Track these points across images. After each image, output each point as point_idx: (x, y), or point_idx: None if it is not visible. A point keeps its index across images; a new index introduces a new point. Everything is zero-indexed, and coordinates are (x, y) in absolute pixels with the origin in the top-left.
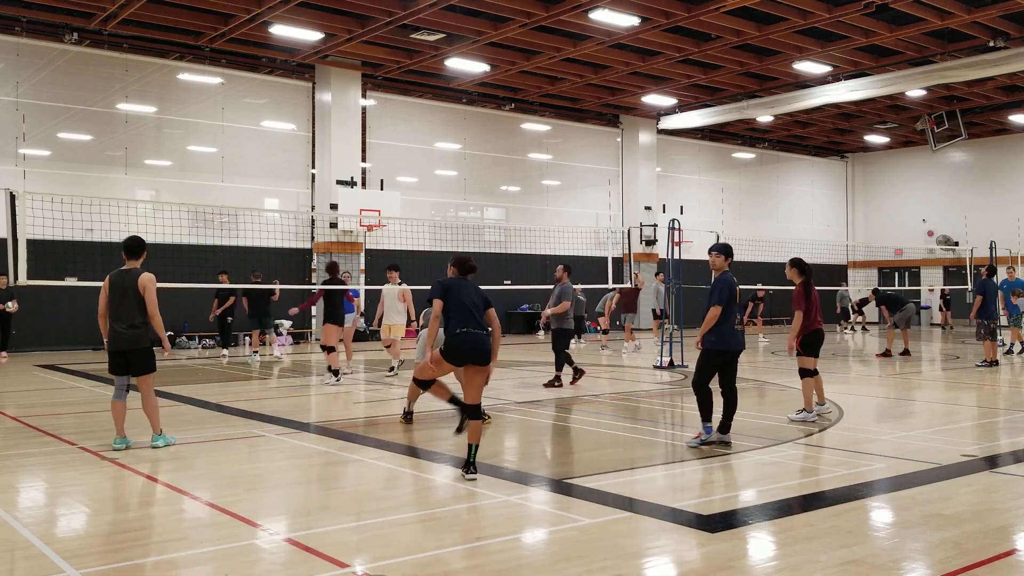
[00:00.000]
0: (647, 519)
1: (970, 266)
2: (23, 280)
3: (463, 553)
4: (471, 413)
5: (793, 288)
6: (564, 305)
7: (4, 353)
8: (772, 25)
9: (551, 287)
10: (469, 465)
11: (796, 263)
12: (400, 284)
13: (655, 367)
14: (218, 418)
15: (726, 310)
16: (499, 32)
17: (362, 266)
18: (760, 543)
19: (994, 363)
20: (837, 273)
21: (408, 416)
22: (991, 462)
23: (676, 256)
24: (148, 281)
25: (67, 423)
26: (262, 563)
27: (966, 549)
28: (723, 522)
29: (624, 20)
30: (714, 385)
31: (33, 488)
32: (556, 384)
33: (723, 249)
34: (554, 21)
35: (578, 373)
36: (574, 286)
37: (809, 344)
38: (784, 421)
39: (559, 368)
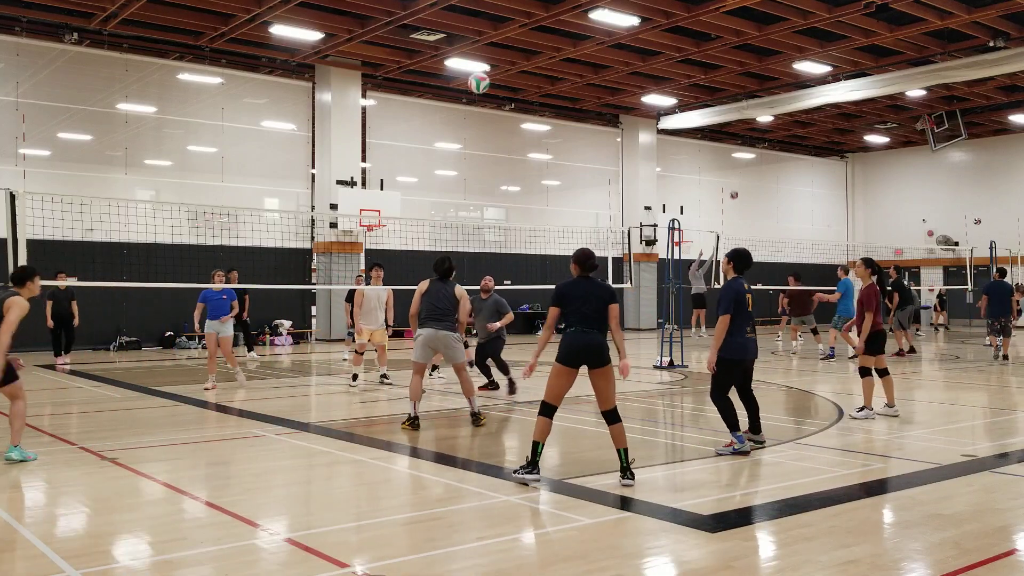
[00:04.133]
0: (647, 519)
1: (970, 266)
2: None
3: (463, 553)
4: (610, 419)
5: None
6: (510, 316)
7: (65, 357)
8: (772, 25)
9: (551, 287)
10: (625, 470)
11: (868, 262)
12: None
13: (655, 367)
14: (218, 418)
15: (736, 318)
16: (499, 32)
17: (362, 266)
18: (760, 543)
19: (1005, 357)
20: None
21: (415, 422)
22: (991, 462)
23: (676, 256)
24: (12, 304)
25: (67, 423)
26: (262, 563)
27: (966, 549)
28: (723, 522)
29: (624, 20)
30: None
31: (33, 488)
32: (491, 387)
33: (731, 255)
34: (554, 21)
35: (492, 385)
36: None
37: (873, 343)
38: (783, 421)
39: (506, 371)
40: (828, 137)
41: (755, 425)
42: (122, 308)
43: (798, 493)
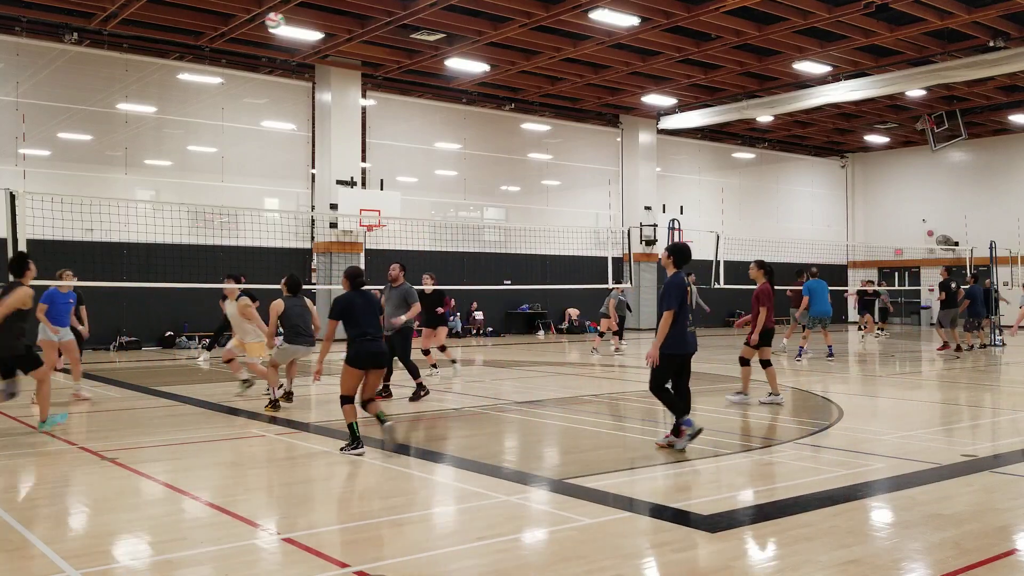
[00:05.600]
0: (647, 519)
1: (969, 266)
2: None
3: (463, 553)
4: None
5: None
6: (416, 308)
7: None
8: (772, 25)
9: (552, 287)
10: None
11: (761, 264)
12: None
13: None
14: (218, 418)
15: (680, 312)
16: (499, 32)
17: (362, 266)
18: (760, 543)
19: (969, 348)
20: (837, 273)
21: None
22: (991, 462)
23: None
24: (18, 292)
25: (67, 423)
26: (262, 563)
27: (966, 549)
28: (723, 522)
29: (624, 20)
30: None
31: (33, 488)
32: (423, 393)
33: (671, 250)
34: (554, 21)
35: (386, 391)
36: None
37: (766, 337)
38: (783, 421)
39: (416, 375)
40: (828, 137)
41: (678, 407)
42: (122, 308)
43: (798, 493)
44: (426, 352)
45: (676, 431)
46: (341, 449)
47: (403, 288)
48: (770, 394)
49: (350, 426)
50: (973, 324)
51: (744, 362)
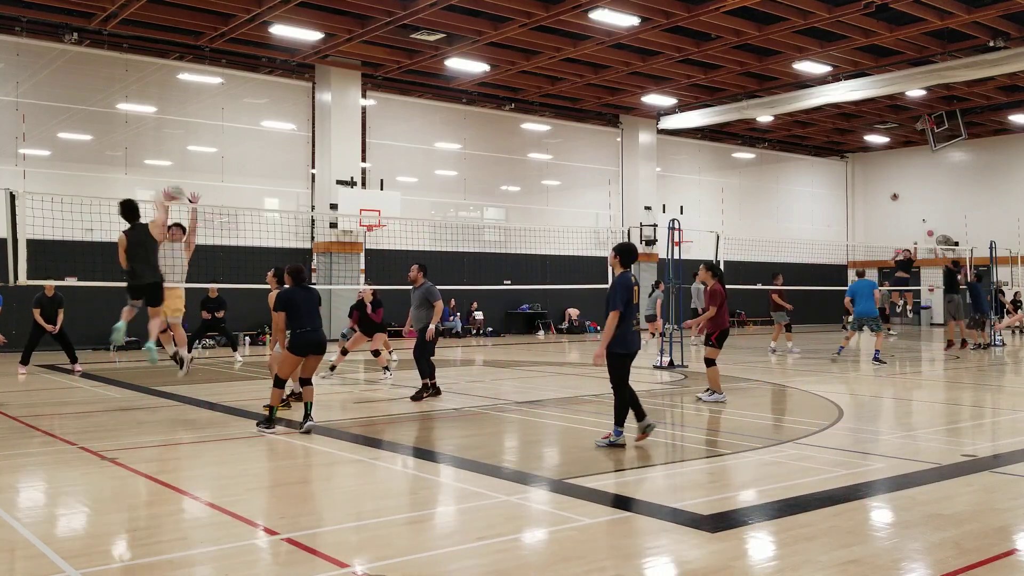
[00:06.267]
0: (647, 519)
1: (970, 266)
2: (23, 280)
3: (463, 553)
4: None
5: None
6: (439, 306)
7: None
8: (772, 25)
9: (552, 287)
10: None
11: (709, 265)
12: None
13: (655, 367)
14: (218, 418)
15: (624, 312)
16: (499, 32)
17: (362, 266)
18: (760, 543)
19: (976, 346)
20: (837, 273)
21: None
22: (991, 462)
23: (676, 256)
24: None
25: (67, 423)
26: (262, 563)
27: (966, 549)
28: (723, 522)
29: (624, 20)
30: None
31: (33, 488)
32: (427, 394)
33: (617, 249)
34: (554, 21)
35: (426, 391)
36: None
37: (722, 338)
38: (783, 421)
39: (425, 375)
40: (828, 137)
41: (641, 411)
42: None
43: (798, 493)
44: (376, 354)
45: (617, 426)
46: (257, 424)
47: (424, 287)
48: (709, 391)
49: (271, 408)
50: (977, 322)
51: (710, 363)
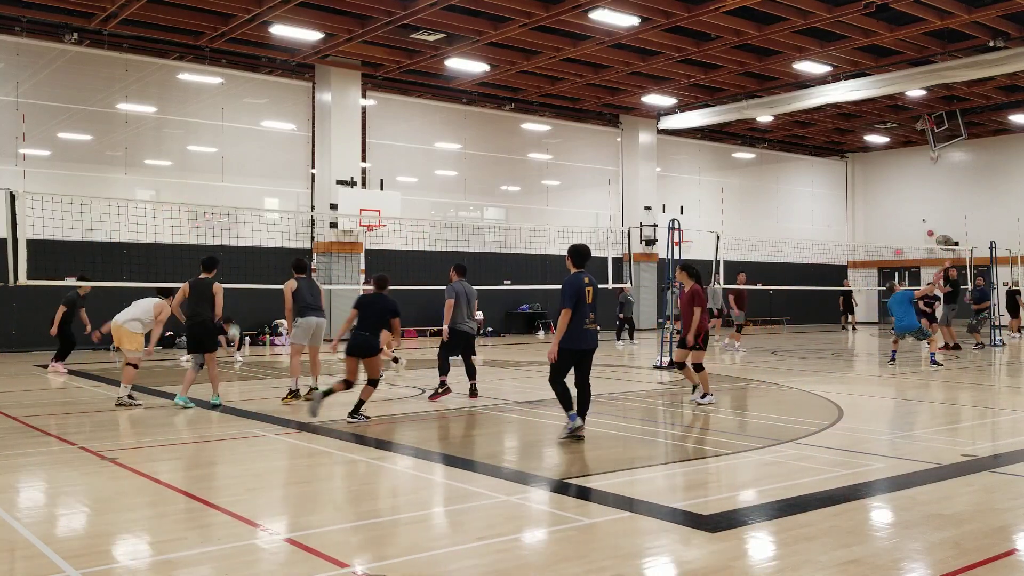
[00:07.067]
0: (647, 519)
1: (970, 266)
2: (23, 280)
3: (463, 553)
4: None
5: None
6: (475, 305)
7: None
8: (772, 25)
9: (552, 287)
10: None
11: (685, 267)
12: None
13: (655, 367)
14: (218, 418)
15: (576, 310)
16: (499, 32)
17: (362, 266)
18: (760, 543)
19: (980, 346)
20: (837, 273)
21: (295, 393)
22: (991, 462)
23: (676, 256)
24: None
25: (67, 423)
26: (262, 563)
27: (966, 549)
28: (723, 522)
29: (624, 20)
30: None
31: (33, 488)
32: (440, 391)
33: (569, 251)
34: (554, 21)
35: (443, 388)
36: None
37: (706, 340)
38: (783, 421)
39: (442, 373)
40: (828, 137)
41: (581, 413)
42: (122, 308)
43: (798, 493)
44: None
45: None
46: (348, 416)
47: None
48: (703, 393)
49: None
50: (979, 323)
51: (698, 368)
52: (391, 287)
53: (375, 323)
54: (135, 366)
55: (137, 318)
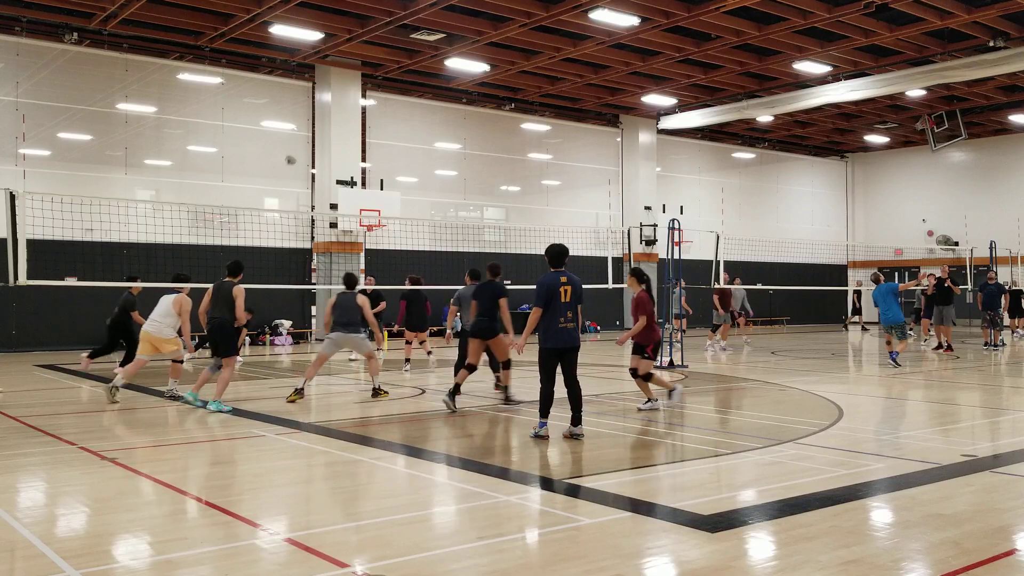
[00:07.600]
0: (647, 519)
1: (970, 266)
2: (23, 280)
3: (463, 553)
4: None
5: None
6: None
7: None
8: (772, 25)
9: None
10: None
11: (635, 272)
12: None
13: (655, 367)
14: (218, 418)
15: (550, 309)
16: (499, 32)
17: (362, 266)
18: (760, 543)
19: (993, 345)
20: (837, 273)
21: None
22: (991, 462)
23: (676, 256)
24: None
25: (67, 423)
26: (262, 563)
27: (966, 549)
28: (723, 522)
29: (624, 20)
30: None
31: (33, 488)
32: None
33: (547, 251)
34: (554, 21)
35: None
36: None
37: (656, 350)
38: (783, 421)
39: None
40: (828, 137)
41: (576, 416)
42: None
43: (798, 493)
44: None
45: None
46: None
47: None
48: (647, 401)
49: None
50: (991, 321)
51: (647, 377)
52: (424, 285)
53: (489, 307)
54: (180, 361)
55: (165, 323)
